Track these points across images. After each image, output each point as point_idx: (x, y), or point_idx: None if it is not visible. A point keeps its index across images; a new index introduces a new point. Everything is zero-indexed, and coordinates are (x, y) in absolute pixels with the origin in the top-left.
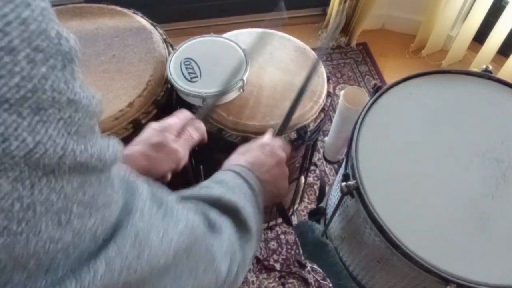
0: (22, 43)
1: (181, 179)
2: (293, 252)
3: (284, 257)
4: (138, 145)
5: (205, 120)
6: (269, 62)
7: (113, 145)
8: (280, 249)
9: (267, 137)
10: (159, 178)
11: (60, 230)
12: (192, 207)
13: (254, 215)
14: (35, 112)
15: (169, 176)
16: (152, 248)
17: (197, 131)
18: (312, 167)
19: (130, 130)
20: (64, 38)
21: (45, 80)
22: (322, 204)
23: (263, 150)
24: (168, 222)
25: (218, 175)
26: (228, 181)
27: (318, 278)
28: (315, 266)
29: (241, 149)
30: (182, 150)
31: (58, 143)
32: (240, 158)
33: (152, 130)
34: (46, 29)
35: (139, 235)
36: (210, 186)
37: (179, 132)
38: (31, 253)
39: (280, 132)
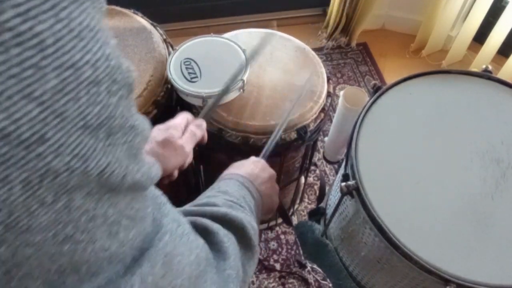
0: (105, 77)
1: (181, 179)
2: (293, 252)
3: (284, 257)
4: None
5: (206, 120)
6: (269, 62)
7: (155, 164)
8: (280, 249)
9: (254, 158)
10: (166, 176)
11: (110, 240)
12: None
13: (254, 231)
14: (108, 136)
15: (176, 173)
16: (174, 270)
17: (199, 128)
18: (312, 167)
19: None
20: (130, 71)
21: (117, 109)
22: (322, 204)
23: (256, 165)
24: (184, 248)
25: (222, 184)
26: (233, 192)
27: (318, 278)
28: (315, 266)
29: (235, 164)
30: (187, 146)
31: (122, 164)
32: (237, 170)
33: (157, 130)
34: (121, 63)
35: (167, 255)
36: (215, 199)
37: (182, 131)
38: (85, 260)
39: (266, 153)
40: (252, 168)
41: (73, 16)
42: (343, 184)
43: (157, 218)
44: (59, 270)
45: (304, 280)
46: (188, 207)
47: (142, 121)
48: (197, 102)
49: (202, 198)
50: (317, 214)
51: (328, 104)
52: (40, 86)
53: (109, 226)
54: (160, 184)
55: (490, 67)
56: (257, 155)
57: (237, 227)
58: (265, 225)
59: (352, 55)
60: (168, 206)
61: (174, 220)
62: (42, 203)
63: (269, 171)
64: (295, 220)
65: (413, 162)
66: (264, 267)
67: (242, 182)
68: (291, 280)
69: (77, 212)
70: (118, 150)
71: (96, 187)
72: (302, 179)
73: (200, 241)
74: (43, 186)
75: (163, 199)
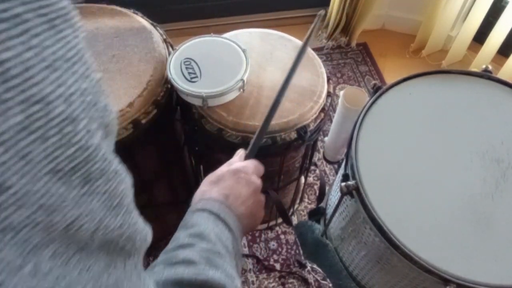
0: (82, 113)
1: (181, 179)
2: (293, 252)
3: (284, 257)
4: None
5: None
6: (269, 62)
7: (145, 229)
8: (280, 249)
9: (238, 160)
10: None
11: None
12: None
13: (237, 271)
14: (84, 183)
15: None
16: None
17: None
18: (312, 167)
19: (130, 130)
20: (109, 111)
21: (98, 151)
22: (322, 204)
23: (237, 180)
24: None
25: (195, 221)
26: (208, 232)
27: (318, 278)
28: (315, 266)
29: (212, 177)
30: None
31: (95, 217)
32: (213, 189)
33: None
34: (99, 100)
35: None
36: (190, 252)
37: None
38: None
39: (251, 153)
40: (230, 185)
41: (46, 44)
42: (343, 184)
43: None
44: None
45: (304, 280)
46: (161, 266)
47: (122, 167)
48: (197, 102)
49: (176, 249)
50: (317, 214)
51: (328, 104)
52: (1, 123)
53: None
54: (159, 184)
55: (490, 67)
56: (245, 148)
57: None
58: (265, 225)
59: (352, 55)
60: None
61: None
62: (10, 267)
63: (253, 184)
64: (295, 220)
65: (413, 162)
66: (264, 267)
67: (217, 213)
68: (291, 280)
69: (51, 276)
70: (96, 200)
71: (63, 245)
72: (302, 179)
73: None
74: (7, 245)
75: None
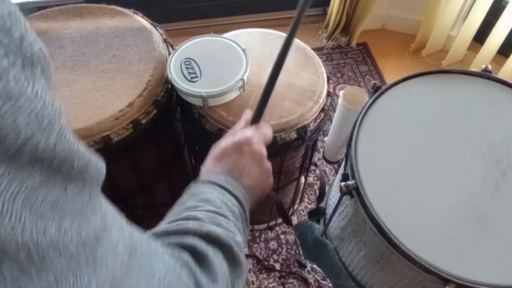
0: None
1: (180, 179)
2: (293, 252)
3: (284, 257)
4: None
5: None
6: (269, 62)
7: (91, 157)
8: (280, 249)
9: (243, 125)
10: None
11: (39, 221)
12: (182, 257)
13: (243, 237)
14: (4, 101)
15: None
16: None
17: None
18: (312, 167)
19: (130, 130)
20: (27, 42)
21: (8, 72)
22: (322, 204)
23: (241, 154)
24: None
25: (201, 190)
26: (214, 199)
27: (318, 278)
28: (315, 266)
29: (216, 151)
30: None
31: (20, 134)
32: (217, 165)
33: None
34: (10, 29)
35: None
36: (196, 212)
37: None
38: (19, 242)
39: (256, 118)
40: (234, 160)
41: None
42: (343, 184)
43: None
44: None
45: (304, 280)
46: (167, 223)
47: (50, 95)
48: (197, 102)
49: (182, 211)
50: (317, 214)
51: (328, 104)
52: None
53: (27, 204)
54: (159, 184)
55: (490, 67)
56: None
57: (223, 245)
58: (265, 225)
59: (352, 55)
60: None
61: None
62: None
63: (257, 154)
64: (295, 220)
65: (413, 162)
66: (264, 267)
67: (222, 185)
68: (291, 280)
69: None
70: (20, 119)
71: None
72: (302, 179)
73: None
74: None
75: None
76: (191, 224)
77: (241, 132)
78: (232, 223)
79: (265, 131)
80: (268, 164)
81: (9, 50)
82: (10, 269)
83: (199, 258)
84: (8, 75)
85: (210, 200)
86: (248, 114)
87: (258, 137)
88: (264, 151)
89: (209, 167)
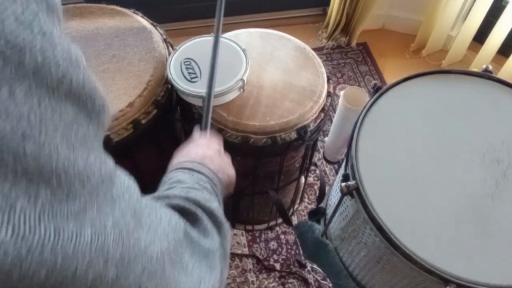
0: None
1: None
2: (293, 252)
3: (284, 257)
4: None
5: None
6: (269, 62)
7: (104, 98)
8: (280, 249)
9: (196, 136)
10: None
11: (71, 153)
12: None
13: (220, 210)
14: (42, 35)
15: None
16: (145, 227)
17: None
18: (312, 167)
19: (130, 130)
20: None
21: (38, 14)
22: (322, 204)
23: (199, 146)
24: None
25: (172, 176)
26: (186, 179)
27: (318, 278)
28: (315, 266)
29: (177, 152)
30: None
31: (60, 66)
32: (178, 158)
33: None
34: None
35: (136, 211)
36: (172, 191)
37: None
38: (53, 168)
39: (205, 125)
40: (195, 151)
41: None
42: (343, 184)
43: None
44: (25, 173)
45: (304, 280)
46: (149, 196)
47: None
48: (197, 102)
49: (158, 192)
50: (317, 214)
51: (328, 104)
52: None
53: (63, 136)
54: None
55: (490, 67)
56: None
57: (204, 208)
58: (265, 225)
59: (352, 55)
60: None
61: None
62: None
63: (213, 145)
64: (295, 220)
65: (413, 162)
66: (264, 267)
67: (190, 168)
68: (291, 280)
69: (23, 108)
70: (57, 50)
71: (34, 85)
72: (302, 179)
73: (175, 215)
74: None
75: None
76: (173, 192)
77: (196, 137)
78: (207, 193)
79: (216, 135)
80: (226, 157)
81: None
82: (45, 191)
83: (189, 216)
84: (39, 16)
85: (182, 180)
86: (197, 128)
87: (213, 137)
88: (218, 145)
89: (172, 164)
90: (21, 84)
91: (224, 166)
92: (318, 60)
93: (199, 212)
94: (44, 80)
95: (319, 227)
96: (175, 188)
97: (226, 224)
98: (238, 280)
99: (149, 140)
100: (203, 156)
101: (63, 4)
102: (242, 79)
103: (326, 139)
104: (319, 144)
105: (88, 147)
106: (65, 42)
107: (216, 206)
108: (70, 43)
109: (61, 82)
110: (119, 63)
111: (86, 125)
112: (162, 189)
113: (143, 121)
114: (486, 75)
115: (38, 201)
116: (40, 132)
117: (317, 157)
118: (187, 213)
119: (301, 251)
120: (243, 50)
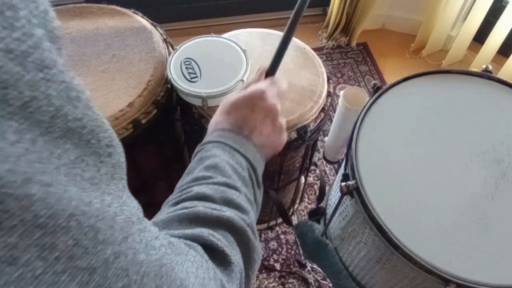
0: (21, 3)
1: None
2: (293, 252)
3: (284, 257)
4: None
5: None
6: (269, 62)
7: (112, 132)
8: (280, 249)
9: (257, 79)
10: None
11: (83, 193)
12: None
13: (255, 209)
14: (39, 70)
15: None
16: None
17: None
18: (312, 167)
19: (130, 130)
20: (50, 16)
21: (43, 42)
22: (322, 204)
23: (253, 108)
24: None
25: (210, 152)
26: (223, 165)
27: (318, 278)
28: (315, 266)
29: (225, 104)
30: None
31: (53, 103)
32: (227, 120)
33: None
34: (36, 0)
35: (162, 266)
36: (206, 188)
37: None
38: (68, 213)
39: (272, 71)
40: (245, 114)
41: None
42: (343, 184)
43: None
44: (35, 221)
45: (304, 280)
46: (174, 203)
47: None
48: (197, 102)
49: (191, 183)
50: (317, 214)
51: (328, 104)
52: None
53: (68, 177)
54: (159, 184)
55: (490, 67)
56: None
57: (236, 231)
58: (265, 225)
59: (352, 55)
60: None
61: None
62: None
63: (270, 109)
64: (295, 220)
65: (413, 162)
66: (264, 267)
67: (232, 145)
68: (291, 280)
69: (16, 146)
70: (51, 89)
71: (25, 122)
72: (302, 179)
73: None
74: None
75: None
76: (201, 208)
77: (254, 85)
78: (243, 196)
79: (280, 85)
80: (282, 120)
81: (41, 22)
82: (64, 240)
83: (213, 251)
84: (42, 44)
85: (220, 167)
86: (261, 69)
87: (273, 90)
88: (278, 106)
89: (218, 121)
90: (10, 122)
91: (272, 137)
92: (318, 60)
93: (225, 247)
94: (35, 117)
95: (319, 227)
96: (209, 183)
97: (256, 248)
98: None
99: (149, 140)
100: (253, 125)
101: (63, 4)
102: (242, 80)
103: (326, 139)
104: (319, 144)
105: (101, 189)
106: (68, 72)
107: (250, 223)
108: (72, 75)
109: (54, 118)
110: (119, 63)
111: (94, 164)
112: (194, 175)
113: (143, 121)
114: (486, 75)
115: (58, 255)
116: (43, 172)
117: (317, 157)
118: (212, 249)
119: (301, 251)
120: (244, 51)
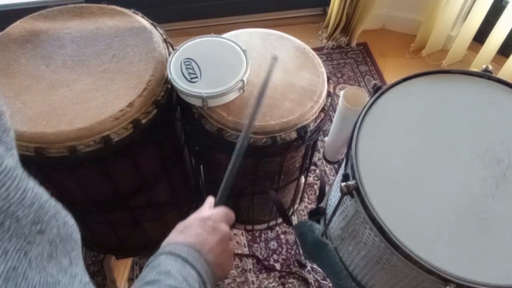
0: None
1: (181, 180)
2: (293, 252)
3: (284, 257)
4: None
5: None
6: (269, 62)
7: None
8: (280, 249)
9: (207, 208)
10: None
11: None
12: None
13: None
14: None
15: None
16: None
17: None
18: (312, 167)
19: (130, 130)
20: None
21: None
22: (322, 204)
23: (204, 227)
24: None
25: (162, 260)
26: (175, 272)
27: (318, 278)
28: (315, 266)
29: (180, 226)
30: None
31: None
32: (180, 236)
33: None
34: None
35: None
36: (156, 286)
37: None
38: None
39: (220, 200)
40: (198, 232)
41: None
42: (343, 184)
43: None
44: None
45: (304, 280)
46: None
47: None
48: (197, 102)
49: (142, 285)
50: (317, 214)
51: (328, 104)
52: None
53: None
54: (159, 184)
55: (490, 67)
56: (215, 195)
57: None
58: (265, 225)
59: (352, 55)
60: None
61: None
62: None
63: (221, 232)
64: (295, 220)
65: (413, 162)
66: (264, 267)
67: (185, 257)
68: (291, 280)
69: None
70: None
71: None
72: (302, 179)
73: None
74: None
75: None
76: None
77: (206, 210)
78: None
79: (228, 213)
80: (230, 245)
81: None
82: None
83: None
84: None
85: (171, 274)
86: (210, 199)
87: (223, 216)
88: (227, 231)
89: (171, 238)
90: None
91: (222, 259)
92: (318, 60)
93: None
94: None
95: (319, 227)
96: (160, 284)
97: None
98: (238, 280)
99: (149, 140)
100: (204, 243)
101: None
102: (242, 80)
103: (326, 139)
104: (319, 144)
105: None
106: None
107: None
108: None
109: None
110: (119, 63)
111: (17, 250)
112: (145, 279)
113: (143, 121)
114: (486, 75)
115: None
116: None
117: (317, 157)
118: None
119: (301, 251)
120: (244, 51)
